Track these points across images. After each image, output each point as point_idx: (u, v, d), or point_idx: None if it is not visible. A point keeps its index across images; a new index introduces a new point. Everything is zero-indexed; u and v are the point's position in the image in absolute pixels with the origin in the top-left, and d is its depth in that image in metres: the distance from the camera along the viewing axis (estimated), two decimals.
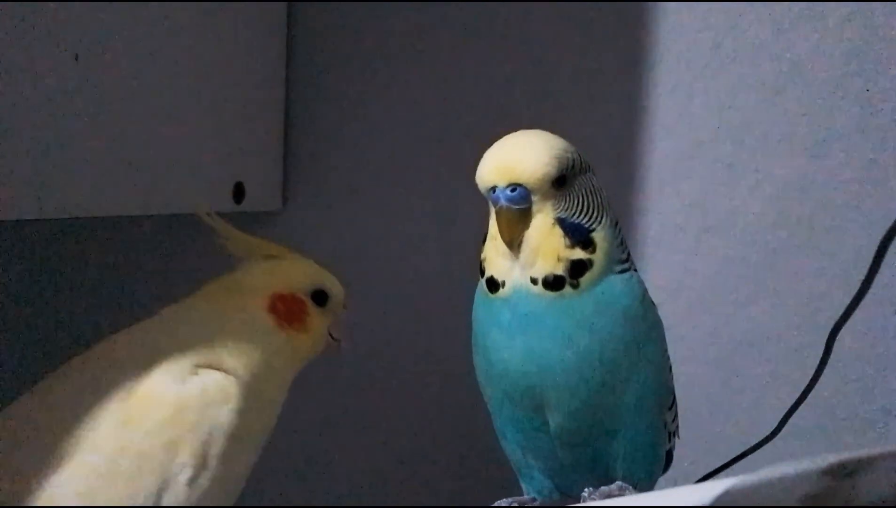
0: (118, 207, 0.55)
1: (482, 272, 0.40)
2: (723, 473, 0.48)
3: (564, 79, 0.62)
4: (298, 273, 0.44)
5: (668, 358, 0.43)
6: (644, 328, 0.40)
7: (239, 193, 0.63)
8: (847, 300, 0.53)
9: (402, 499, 0.66)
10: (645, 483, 0.42)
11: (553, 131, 0.41)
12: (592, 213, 0.39)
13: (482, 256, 0.40)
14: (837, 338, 0.41)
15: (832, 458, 0.27)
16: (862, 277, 0.37)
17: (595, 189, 0.40)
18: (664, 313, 0.43)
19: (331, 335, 0.46)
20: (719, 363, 0.59)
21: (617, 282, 0.39)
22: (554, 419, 0.39)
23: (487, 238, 0.40)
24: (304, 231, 0.68)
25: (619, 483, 0.40)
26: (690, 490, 0.30)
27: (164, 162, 0.57)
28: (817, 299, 0.57)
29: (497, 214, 0.39)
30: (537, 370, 0.39)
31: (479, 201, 0.63)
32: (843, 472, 0.27)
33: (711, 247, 0.60)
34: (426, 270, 0.66)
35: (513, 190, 0.38)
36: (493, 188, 0.39)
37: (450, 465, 0.67)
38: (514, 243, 0.38)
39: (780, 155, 0.58)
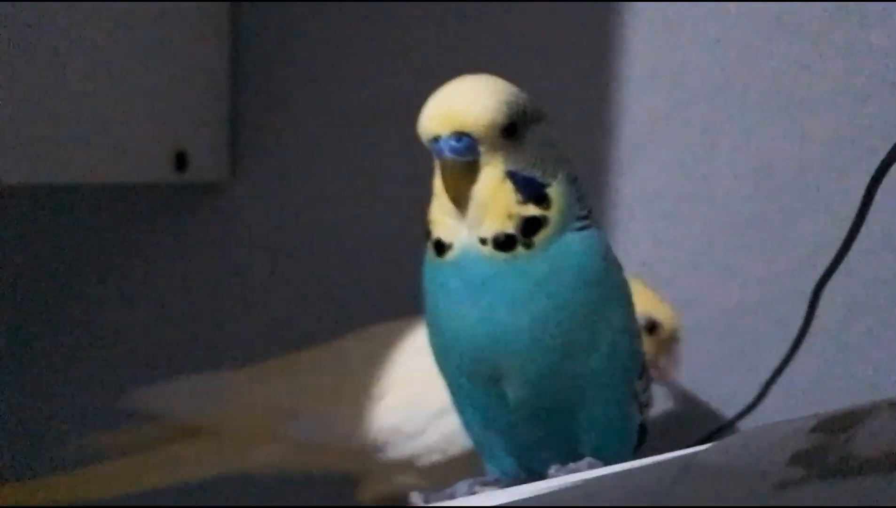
0: (48, 175, 0.52)
1: (428, 235, 0.37)
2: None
3: (530, 39, 0.60)
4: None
5: (637, 323, 0.40)
6: (607, 289, 0.37)
7: (181, 161, 0.60)
8: (822, 263, 0.50)
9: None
10: (616, 459, 0.39)
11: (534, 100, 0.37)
12: (547, 166, 0.36)
13: (428, 217, 0.37)
14: (822, 299, 0.38)
15: (820, 413, 0.25)
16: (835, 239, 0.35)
17: (550, 140, 0.36)
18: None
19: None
20: (699, 333, 0.57)
21: (575, 239, 0.36)
22: (512, 391, 0.36)
23: (433, 197, 0.37)
24: (254, 203, 0.66)
25: (588, 459, 0.37)
26: (667, 458, 0.27)
27: (99, 128, 0.54)
28: (801, 265, 0.55)
29: (441, 167, 0.36)
30: (489, 337, 0.35)
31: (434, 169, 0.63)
32: (837, 427, 0.24)
33: (689, 213, 0.57)
34: (383, 243, 0.64)
35: (458, 140, 0.34)
36: (436, 138, 0.35)
37: None
38: (459, 200, 0.35)
39: (761, 116, 0.56)
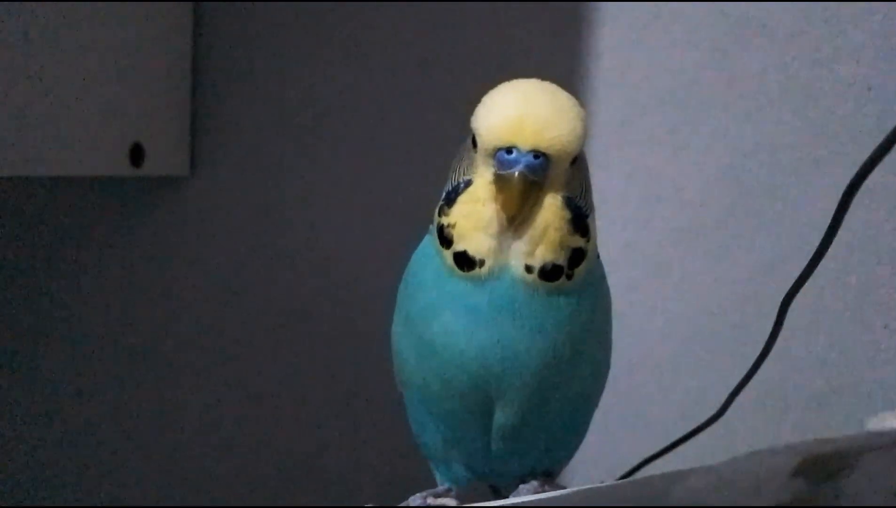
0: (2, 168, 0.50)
1: (446, 242, 0.33)
2: (667, 455, 0.45)
3: (497, 40, 0.58)
4: None
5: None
6: (608, 317, 0.37)
7: (137, 155, 0.58)
8: (790, 269, 0.49)
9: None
10: (564, 462, 0.39)
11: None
12: (588, 195, 0.34)
13: (446, 221, 0.33)
14: (789, 310, 0.37)
15: (802, 449, 0.22)
16: (815, 245, 0.34)
17: (587, 166, 0.35)
18: None
19: None
20: (663, 339, 0.57)
21: (597, 271, 0.35)
22: (503, 415, 0.35)
23: (462, 200, 0.33)
24: (215, 199, 0.65)
25: (536, 481, 0.36)
26: (633, 485, 0.25)
27: (49, 119, 0.53)
28: (769, 270, 0.54)
29: (504, 179, 0.32)
30: (500, 363, 0.33)
31: (403, 166, 0.62)
32: (822, 473, 0.21)
33: (656, 216, 0.57)
34: (344, 236, 0.63)
35: (536, 157, 0.32)
36: (509, 149, 0.32)
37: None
38: (516, 220, 0.32)
39: (729, 117, 0.55)
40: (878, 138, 0.30)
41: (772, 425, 0.54)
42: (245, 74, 0.63)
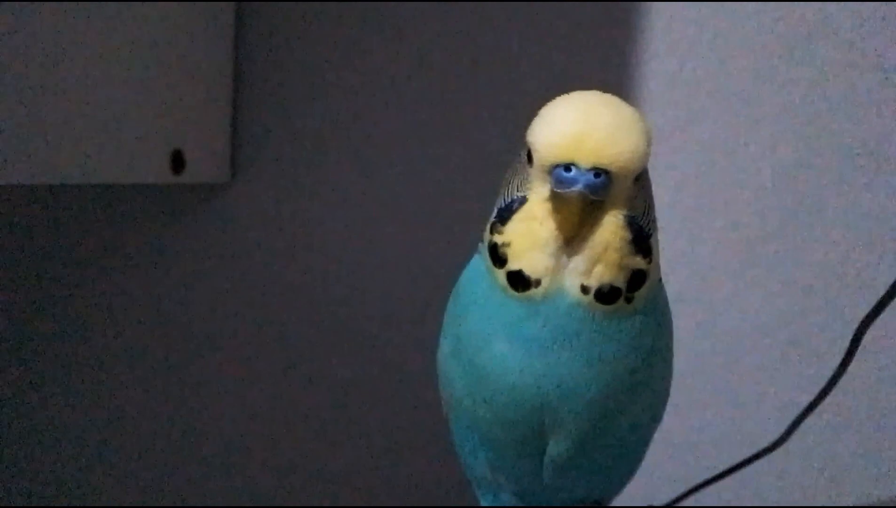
0: (41, 176, 0.50)
1: (500, 261, 0.32)
2: (720, 483, 0.43)
3: (544, 47, 0.57)
4: None
5: None
6: (670, 343, 0.34)
7: (178, 162, 0.57)
8: (855, 286, 0.47)
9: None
10: (617, 492, 0.37)
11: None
12: (651, 214, 0.32)
13: (500, 239, 0.32)
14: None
15: None
16: (876, 261, 0.32)
17: (650, 185, 0.33)
18: None
19: None
20: (717, 359, 0.54)
21: (660, 296, 0.33)
22: (557, 445, 0.33)
23: (517, 218, 0.31)
24: (256, 206, 0.64)
25: None
26: None
27: (92, 127, 0.52)
28: (822, 285, 0.52)
29: (562, 198, 0.30)
30: (557, 393, 0.32)
31: (441, 176, 0.60)
32: None
33: (707, 228, 0.55)
34: (384, 244, 0.61)
35: (597, 175, 0.30)
36: (567, 166, 0.30)
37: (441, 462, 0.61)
38: (574, 239, 0.31)
39: (785, 124, 0.53)
40: None
41: (834, 457, 0.52)
42: (286, 80, 0.62)
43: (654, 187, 0.55)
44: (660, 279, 0.33)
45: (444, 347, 0.35)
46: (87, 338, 0.70)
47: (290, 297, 0.64)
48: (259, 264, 0.65)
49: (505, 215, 0.32)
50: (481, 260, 0.33)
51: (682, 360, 0.54)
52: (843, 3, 0.51)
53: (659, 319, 0.33)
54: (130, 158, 0.54)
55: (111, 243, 0.67)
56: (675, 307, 0.54)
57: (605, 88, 0.56)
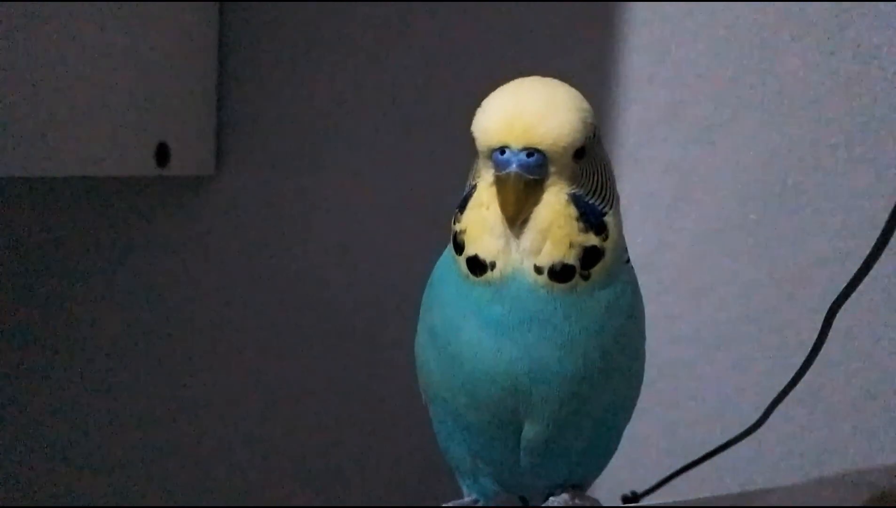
0: (22, 168, 0.50)
1: (459, 248, 0.33)
2: (700, 467, 0.44)
3: (528, 37, 0.57)
4: None
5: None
6: (641, 325, 0.35)
7: (163, 155, 0.57)
8: (834, 273, 0.48)
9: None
10: (595, 475, 0.38)
11: None
12: (606, 192, 0.33)
13: (458, 227, 0.33)
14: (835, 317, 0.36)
15: (873, 480, 0.19)
16: (850, 248, 0.33)
17: (607, 164, 0.34)
18: None
19: None
20: (696, 344, 0.55)
21: (625, 275, 0.33)
22: (532, 429, 0.34)
23: (470, 206, 0.33)
24: (241, 198, 0.64)
25: (566, 494, 0.35)
26: None
27: (76, 120, 0.52)
28: (802, 274, 0.53)
29: (500, 180, 0.31)
30: (529, 376, 0.32)
31: (424, 166, 0.61)
32: None
33: (688, 216, 0.55)
34: (371, 237, 0.62)
35: (529, 155, 0.31)
36: (502, 149, 0.31)
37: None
38: (517, 220, 0.31)
39: (767, 114, 0.53)
40: None
41: (811, 439, 0.53)
42: (271, 73, 0.62)
43: (636, 178, 0.56)
44: (627, 261, 0.34)
45: (421, 336, 0.36)
46: (70, 330, 0.70)
47: (275, 288, 0.65)
48: (244, 256, 0.65)
49: (462, 204, 0.33)
50: (450, 250, 0.34)
51: (662, 347, 0.55)
52: None
53: (628, 300, 0.33)
54: (115, 151, 0.54)
55: (96, 235, 0.68)
56: (656, 295, 0.55)
57: (589, 81, 0.57)
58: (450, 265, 0.34)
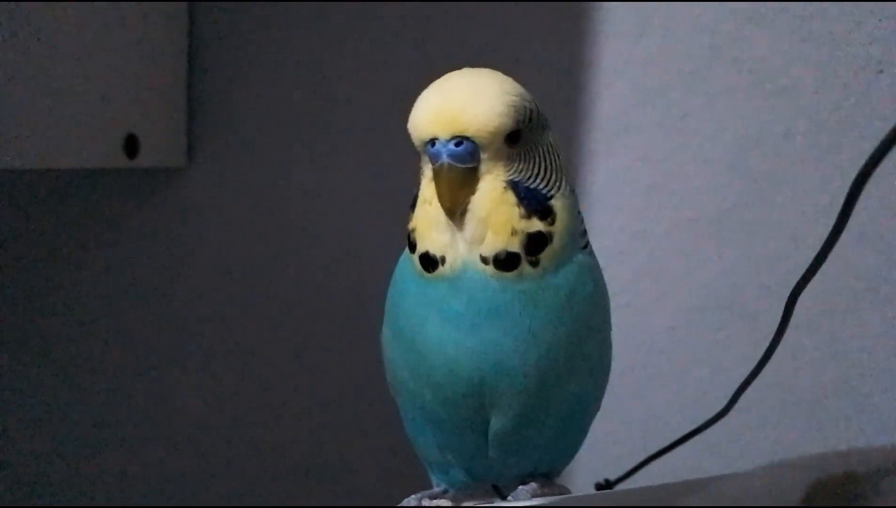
0: None
1: (412, 247, 0.33)
2: (671, 454, 0.44)
3: (500, 28, 0.57)
4: None
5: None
6: (604, 310, 0.35)
7: (132, 146, 0.57)
8: (804, 261, 0.48)
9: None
10: (565, 463, 0.38)
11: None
12: (550, 176, 0.33)
13: (410, 225, 0.33)
14: (797, 304, 0.36)
15: (816, 465, 0.19)
16: (823, 236, 0.33)
17: (553, 148, 0.33)
18: (608, 277, 0.37)
19: None
20: (667, 332, 0.55)
21: (582, 262, 0.33)
22: (499, 420, 0.34)
23: (418, 203, 0.33)
24: (212, 190, 0.64)
25: (535, 483, 0.35)
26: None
27: (43, 111, 0.52)
28: (775, 262, 0.53)
29: (435, 173, 0.32)
30: (493, 369, 0.32)
31: (402, 158, 0.60)
32: (837, 499, 0.19)
33: (660, 204, 0.55)
34: (344, 229, 0.61)
35: (458, 144, 0.31)
36: (432, 141, 0.32)
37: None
38: (456, 212, 0.32)
39: (735, 104, 0.53)
40: (891, 123, 0.29)
41: (778, 424, 0.53)
42: (242, 63, 0.62)
43: (610, 166, 0.56)
44: (586, 246, 0.34)
45: (386, 332, 0.36)
46: (40, 323, 0.70)
47: (247, 281, 0.64)
48: (217, 250, 0.64)
49: (413, 203, 0.33)
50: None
51: (634, 335, 0.55)
52: None
53: (589, 288, 0.33)
54: (83, 143, 0.54)
55: (65, 228, 0.67)
56: (629, 283, 0.55)
57: (560, 68, 0.57)
58: (409, 263, 0.34)
